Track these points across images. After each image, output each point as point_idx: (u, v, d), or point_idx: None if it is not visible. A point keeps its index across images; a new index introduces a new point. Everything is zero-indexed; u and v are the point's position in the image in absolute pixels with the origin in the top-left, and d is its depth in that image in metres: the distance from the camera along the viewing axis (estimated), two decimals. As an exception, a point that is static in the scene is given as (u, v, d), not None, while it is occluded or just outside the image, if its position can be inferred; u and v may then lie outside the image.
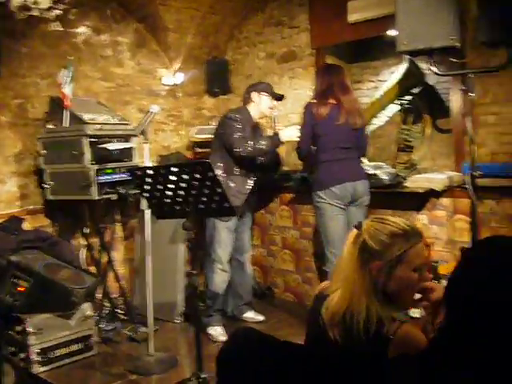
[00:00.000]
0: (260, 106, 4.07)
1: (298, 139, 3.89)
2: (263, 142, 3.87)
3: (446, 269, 2.46)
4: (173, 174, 2.69)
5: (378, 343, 1.48)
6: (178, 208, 2.86)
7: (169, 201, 2.83)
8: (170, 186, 2.75)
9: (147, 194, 2.85)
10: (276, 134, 3.95)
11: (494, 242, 1.32)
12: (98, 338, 3.86)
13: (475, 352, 1.21)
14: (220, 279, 4.06)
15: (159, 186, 2.79)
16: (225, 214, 3.07)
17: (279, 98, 4.19)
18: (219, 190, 2.71)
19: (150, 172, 2.75)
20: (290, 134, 3.93)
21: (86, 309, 3.74)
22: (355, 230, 1.67)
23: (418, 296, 1.76)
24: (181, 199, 2.79)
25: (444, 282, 2.38)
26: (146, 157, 3.51)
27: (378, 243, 1.65)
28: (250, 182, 4.05)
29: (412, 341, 1.49)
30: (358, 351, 1.49)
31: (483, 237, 3.45)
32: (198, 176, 2.65)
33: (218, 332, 4.01)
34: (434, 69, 3.30)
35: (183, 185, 2.72)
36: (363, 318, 1.53)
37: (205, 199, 2.75)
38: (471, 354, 1.22)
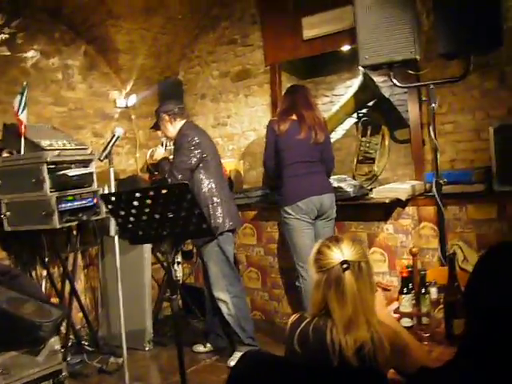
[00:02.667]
0: None
1: (263, 156, 3.91)
2: None
3: (431, 276, 2.51)
4: (149, 197, 2.62)
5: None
6: (152, 232, 2.78)
7: (144, 225, 2.75)
8: (145, 210, 2.68)
9: (121, 220, 2.76)
10: None
11: (506, 248, 1.34)
12: (67, 372, 3.69)
13: (502, 364, 1.22)
14: None
15: (133, 211, 2.71)
16: (203, 236, 3.01)
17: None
18: (197, 211, 2.66)
19: (125, 197, 2.67)
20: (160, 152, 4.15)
21: (54, 343, 3.57)
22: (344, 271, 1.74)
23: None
24: (156, 223, 2.72)
25: (433, 290, 2.43)
26: (111, 181, 3.42)
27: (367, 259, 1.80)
28: None
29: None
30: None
31: (450, 243, 3.55)
32: (175, 199, 2.59)
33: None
34: (395, 81, 3.39)
35: (159, 208, 2.65)
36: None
37: (182, 222, 2.69)
38: (498, 366, 1.23)
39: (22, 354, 3.41)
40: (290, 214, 3.75)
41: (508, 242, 1.40)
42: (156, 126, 4.17)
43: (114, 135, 3.45)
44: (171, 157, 4.03)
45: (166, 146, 4.24)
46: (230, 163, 4.96)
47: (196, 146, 3.77)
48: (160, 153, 4.06)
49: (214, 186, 3.82)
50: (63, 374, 3.59)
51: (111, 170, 3.42)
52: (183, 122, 3.96)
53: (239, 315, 3.88)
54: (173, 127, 3.95)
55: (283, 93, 4.19)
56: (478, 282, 1.33)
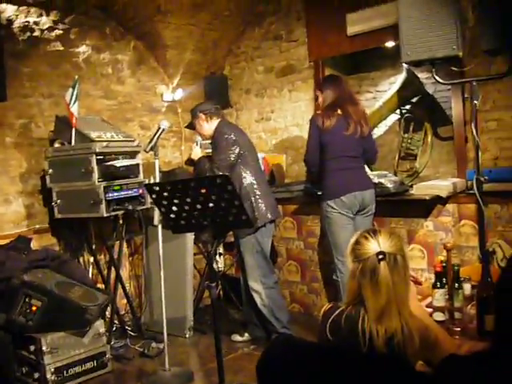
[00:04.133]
0: None
1: (306, 151, 3.96)
2: None
3: (466, 272, 2.53)
4: (191, 188, 2.73)
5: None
6: (194, 222, 2.89)
7: (186, 215, 2.86)
8: (187, 200, 2.78)
9: (164, 209, 2.88)
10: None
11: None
12: (110, 355, 3.85)
13: None
14: None
15: (176, 201, 2.82)
16: (242, 227, 3.10)
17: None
18: (237, 203, 2.74)
19: (168, 187, 2.78)
20: (197, 152, 4.18)
21: (99, 326, 3.74)
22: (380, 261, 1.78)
23: None
24: (198, 213, 2.82)
25: (466, 286, 2.44)
26: (156, 172, 3.55)
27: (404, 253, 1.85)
28: None
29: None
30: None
31: (490, 241, 3.52)
32: (216, 189, 2.69)
33: None
34: (438, 78, 3.38)
35: (201, 198, 2.75)
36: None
37: (222, 212, 2.78)
38: None
39: (69, 335, 3.60)
40: (334, 209, 3.76)
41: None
42: (190, 126, 4.33)
43: (160, 128, 3.57)
44: (207, 150, 4.19)
45: (200, 146, 4.36)
46: (273, 157, 5.04)
47: (233, 143, 3.89)
48: (197, 152, 4.17)
49: (253, 179, 3.92)
50: (107, 355, 3.78)
51: (156, 161, 3.55)
52: (218, 120, 4.07)
53: (273, 306, 3.97)
54: (208, 126, 4.07)
55: (321, 82, 4.21)
56: (509, 278, 1.35)
